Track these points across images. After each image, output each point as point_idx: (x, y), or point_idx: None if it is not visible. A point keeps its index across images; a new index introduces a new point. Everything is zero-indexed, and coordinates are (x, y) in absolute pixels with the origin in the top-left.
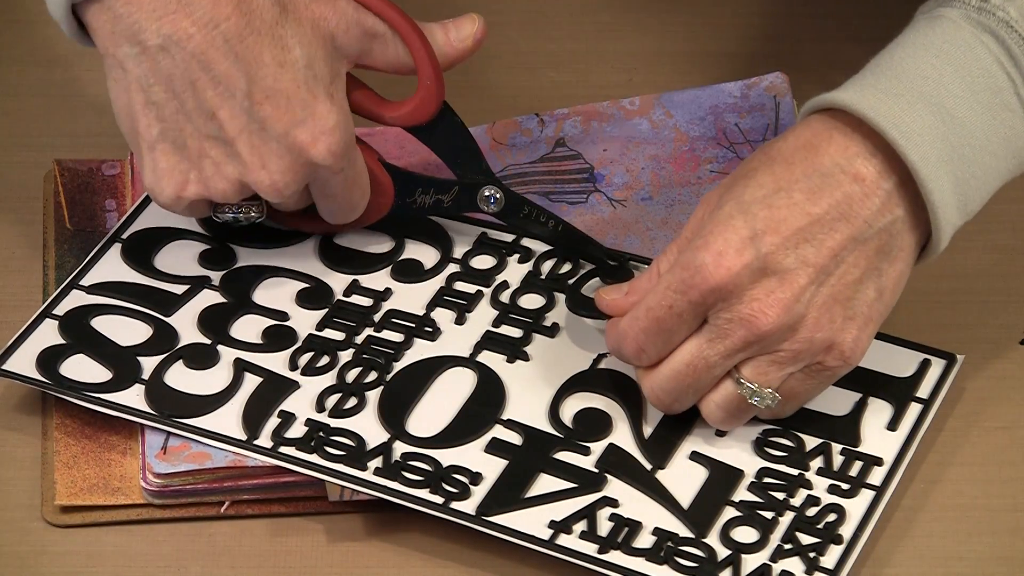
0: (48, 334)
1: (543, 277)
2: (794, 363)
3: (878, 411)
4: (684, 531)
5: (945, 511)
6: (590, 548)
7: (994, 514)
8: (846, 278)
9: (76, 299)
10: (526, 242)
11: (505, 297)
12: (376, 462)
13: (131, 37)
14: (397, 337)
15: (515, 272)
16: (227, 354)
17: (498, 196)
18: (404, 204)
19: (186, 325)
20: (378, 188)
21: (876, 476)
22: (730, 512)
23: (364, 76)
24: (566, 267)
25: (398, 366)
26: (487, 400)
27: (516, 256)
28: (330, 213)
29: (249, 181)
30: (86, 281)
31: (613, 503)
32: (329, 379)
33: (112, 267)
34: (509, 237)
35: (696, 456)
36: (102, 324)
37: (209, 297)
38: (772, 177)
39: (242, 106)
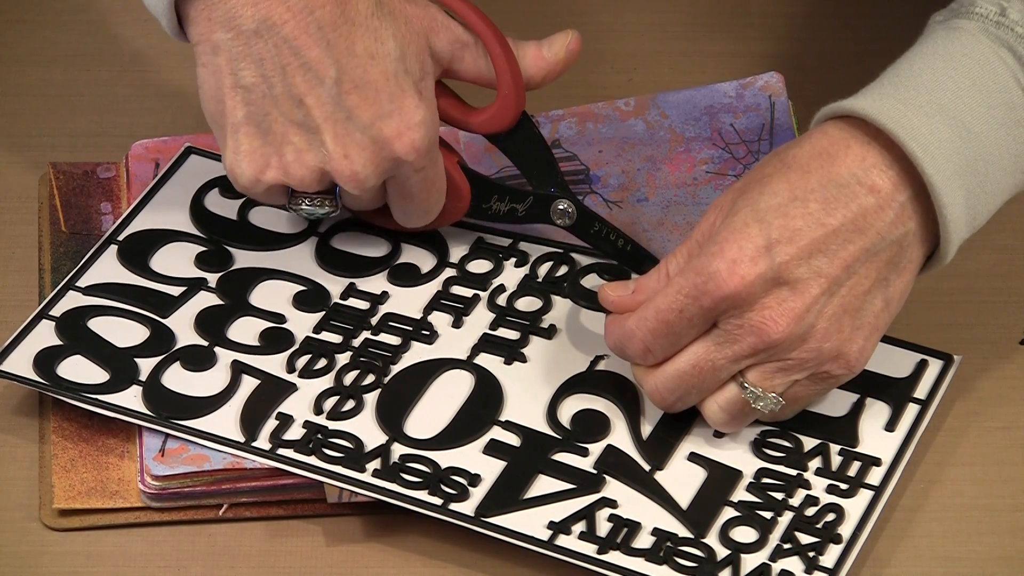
0: (45, 335)
1: (539, 280)
2: (800, 371)
3: (876, 412)
4: (683, 531)
5: (945, 511)
6: (589, 548)
7: (994, 514)
8: (856, 289)
9: (72, 300)
10: (523, 246)
11: (502, 300)
12: (374, 464)
13: (226, 23)
14: (394, 340)
15: (512, 276)
16: (224, 356)
17: (571, 211)
18: (479, 210)
19: (183, 327)
20: (455, 192)
21: (875, 476)
22: (729, 512)
23: (452, 84)
24: (562, 270)
25: (396, 369)
26: (485, 402)
27: (513, 260)
28: (404, 215)
29: (330, 170)
30: (82, 282)
31: (612, 504)
32: (327, 382)
33: (108, 269)
34: (506, 241)
35: (694, 457)
36: (99, 325)
37: (206, 299)
38: (787, 185)
39: (330, 94)
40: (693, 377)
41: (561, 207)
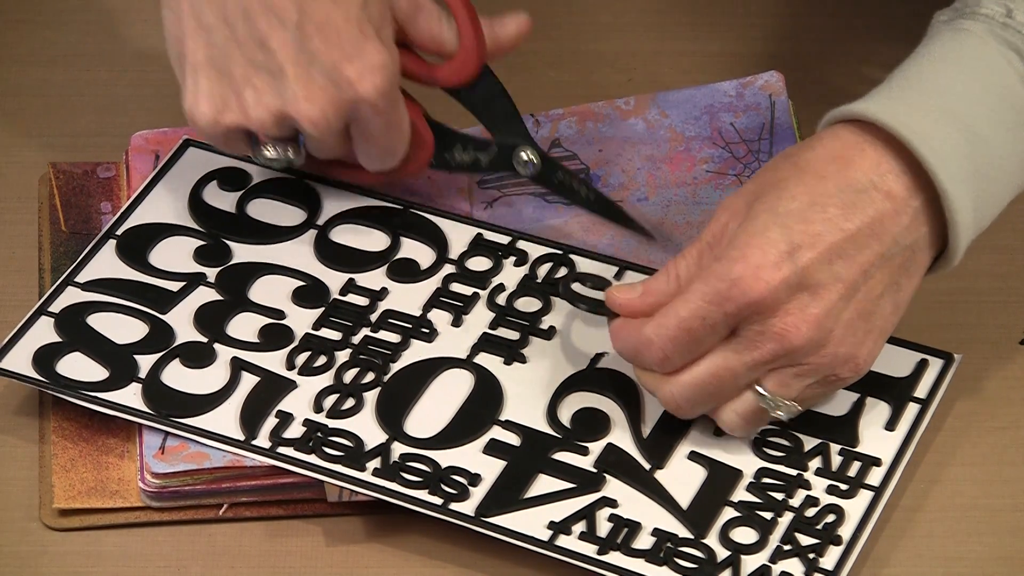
0: (44, 332)
1: (539, 281)
2: (814, 375)
3: (876, 411)
4: (683, 532)
5: (945, 511)
6: (589, 549)
7: (994, 514)
8: (871, 294)
9: (71, 296)
10: (522, 244)
11: (501, 300)
12: (375, 463)
13: None
14: (394, 338)
15: (511, 275)
16: (224, 352)
17: (535, 160)
18: (443, 160)
19: (182, 323)
20: (419, 142)
21: (875, 476)
22: (729, 512)
23: None
24: (562, 271)
25: (395, 367)
26: (485, 401)
27: (512, 259)
28: (367, 157)
29: (290, 112)
30: (81, 278)
31: (612, 503)
32: (327, 379)
33: (107, 264)
34: (505, 239)
35: (695, 456)
36: (98, 322)
37: (205, 294)
38: (804, 189)
39: (293, 37)
40: (711, 385)
41: (524, 157)
